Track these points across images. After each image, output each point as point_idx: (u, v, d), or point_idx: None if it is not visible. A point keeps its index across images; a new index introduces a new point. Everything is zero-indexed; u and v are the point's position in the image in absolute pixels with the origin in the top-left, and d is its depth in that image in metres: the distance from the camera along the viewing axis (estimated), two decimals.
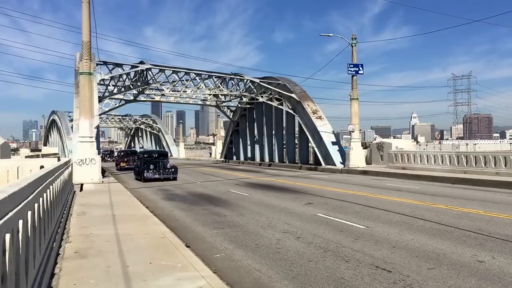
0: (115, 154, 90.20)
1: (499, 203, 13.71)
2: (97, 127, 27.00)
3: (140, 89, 37.95)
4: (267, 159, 46.62)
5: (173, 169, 25.75)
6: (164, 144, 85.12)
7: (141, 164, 26.01)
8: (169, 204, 15.35)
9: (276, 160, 45.08)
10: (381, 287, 5.85)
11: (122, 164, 40.61)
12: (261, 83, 41.72)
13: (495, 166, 22.08)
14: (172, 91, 40.44)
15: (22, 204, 3.86)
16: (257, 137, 49.16)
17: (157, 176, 24.91)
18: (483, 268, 6.58)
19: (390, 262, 7.01)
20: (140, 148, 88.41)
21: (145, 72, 36.15)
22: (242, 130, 53.15)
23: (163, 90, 40.32)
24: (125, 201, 14.53)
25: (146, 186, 22.64)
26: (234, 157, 55.68)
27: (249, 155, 51.51)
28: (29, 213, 4.12)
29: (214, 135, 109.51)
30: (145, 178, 24.64)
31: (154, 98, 43.95)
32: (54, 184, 7.56)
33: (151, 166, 25.18)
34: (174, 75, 38.67)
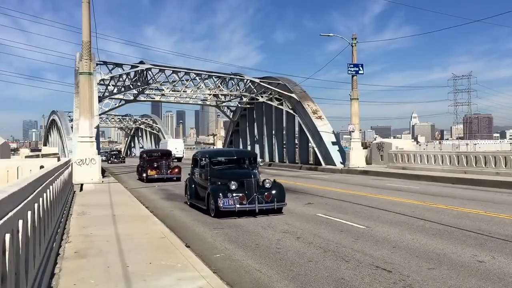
0: (123, 154, 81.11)
1: (499, 203, 13.71)
2: (97, 127, 27.00)
3: (140, 89, 37.96)
4: (267, 159, 46.63)
5: (275, 191, 12.31)
6: None
7: (209, 178, 13.15)
8: (169, 204, 15.35)
9: (276, 160, 45.11)
10: (381, 287, 5.85)
11: (151, 173, 24.85)
12: (261, 83, 41.73)
13: (495, 166, 22.08)
14: (172, 91, 40.44)
15: (22, 204, 3.86)
16: (257, 137, 49.17)
17: (245, 204, 11.79)
18: (483, 268, 6.58)
19: (390, 262, 7.01)
20: (140, 148, 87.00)
21: (145, 72, 36.16)
22: (242, 130, 53.16)
23: (163, 90, 40.33)
24: (125, 201, 14.53)
25: (146, 186, 22.63)
26: None
27: None
28: (29, 213, 4.11)
29: (214, 135, 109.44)
30: (221, 209, 11.71)
31: (154, 98, 43.96)
32: (54, 184, 7.56)
33: (233, 186, 11.94)
34: (174, 75, 38.68)
